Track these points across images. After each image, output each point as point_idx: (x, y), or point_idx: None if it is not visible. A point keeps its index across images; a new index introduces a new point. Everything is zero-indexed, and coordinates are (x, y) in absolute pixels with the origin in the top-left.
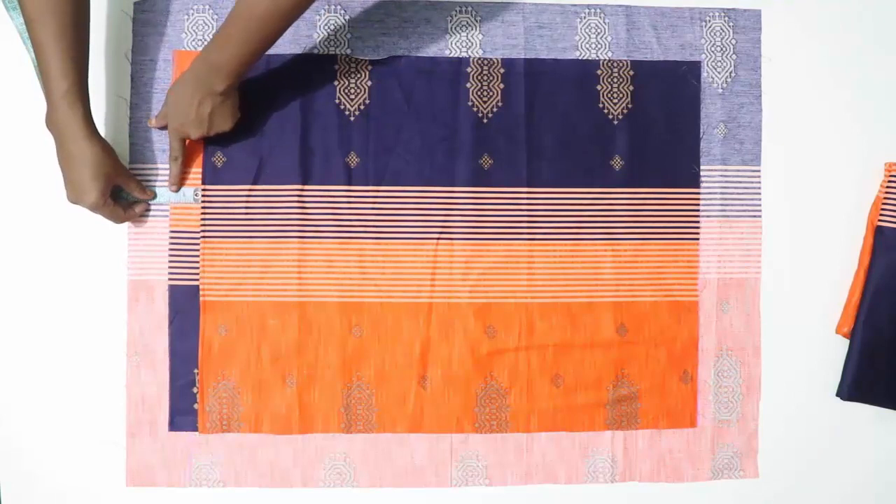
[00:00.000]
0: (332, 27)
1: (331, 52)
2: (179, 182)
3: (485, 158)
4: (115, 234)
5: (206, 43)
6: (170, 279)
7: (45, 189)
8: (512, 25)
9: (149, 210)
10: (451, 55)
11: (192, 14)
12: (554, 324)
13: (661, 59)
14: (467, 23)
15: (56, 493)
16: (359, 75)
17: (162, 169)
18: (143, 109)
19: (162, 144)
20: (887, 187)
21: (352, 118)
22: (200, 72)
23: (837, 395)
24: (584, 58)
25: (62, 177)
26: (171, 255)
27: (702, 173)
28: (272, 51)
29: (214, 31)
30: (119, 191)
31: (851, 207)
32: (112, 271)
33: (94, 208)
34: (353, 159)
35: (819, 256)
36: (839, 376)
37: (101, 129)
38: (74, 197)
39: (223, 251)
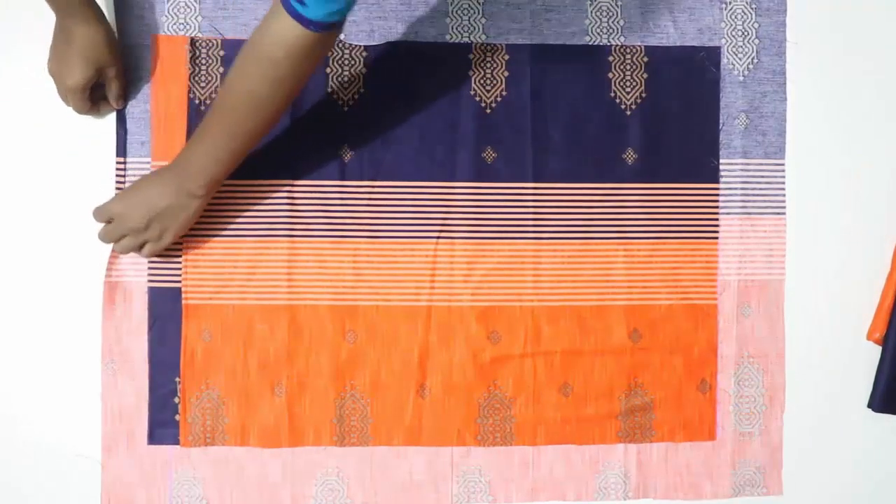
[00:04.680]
0: None
1: None
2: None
3: (488, 151)
4: (88, 231)
5: (187, 27)
6: (149, 281)
7: (12, 186)
8: (517, 8)
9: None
10: (452, 40)
11: None
12: (562, 329)
13: (678, 44)
14: (469, 6)
15: None
16: (353, 62)
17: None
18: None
19: (139, 136)
20: None
21: (345, 108)
22: (178, 169)
23: (869, 406)
24: (595, 43)
25: (50, 47)
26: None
27: (721, 167)
28: None
29: (196, 14)
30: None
31: (883, 204)
32: (86, 272)
33: (71, 92)
34: (347, 153)
35: (848, 256)
36: (871, 386)
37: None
38: (56, 70)
39: (207, 251)
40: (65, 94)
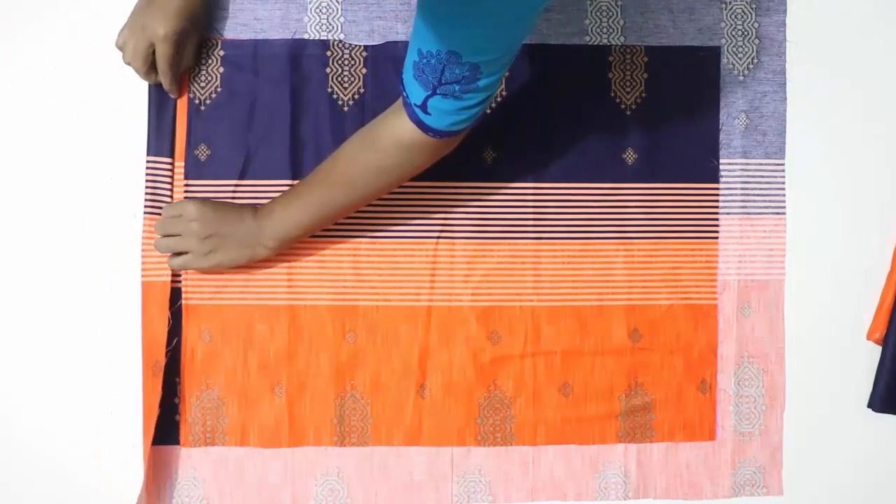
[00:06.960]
0: (323, 10)
1: (322, 38)
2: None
3: (488, 151)
4: (95, 234)
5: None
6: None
7: (50, 186)
8: None
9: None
10: None
11: None
12: (562, 329)
13: (678, 44)
14: None
15: None
16: (353, 62)
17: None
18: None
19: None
20: None
21: (345, 108)
22: (260, 216)
23: (869, 406)
24: (595, 43)
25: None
26: (147, 253)
27: (721, 167)
28: (258, 36)
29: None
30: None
31: (883, 204)
32: (85, 274)
33: (162, 42)
34: None
35: (848, 256)
36: (871, 386)
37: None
38: (145, 23)
39: None
40: (145, 51)
